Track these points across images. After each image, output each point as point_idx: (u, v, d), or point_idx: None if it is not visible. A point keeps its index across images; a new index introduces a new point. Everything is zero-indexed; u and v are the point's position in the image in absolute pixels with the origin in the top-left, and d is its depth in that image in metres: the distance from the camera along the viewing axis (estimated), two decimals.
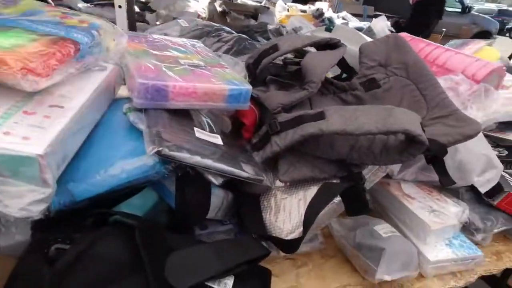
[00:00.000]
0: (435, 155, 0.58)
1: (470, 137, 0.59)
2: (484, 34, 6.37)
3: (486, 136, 0.94)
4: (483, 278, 1.47)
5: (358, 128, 0.54)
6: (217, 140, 0.59)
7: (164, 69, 0.60)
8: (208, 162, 0.51)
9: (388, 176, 0.78)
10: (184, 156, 0.48)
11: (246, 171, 0.55)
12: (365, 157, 0.58)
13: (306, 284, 0.59)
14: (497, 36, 6.95)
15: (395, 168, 0.76)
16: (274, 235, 0.58)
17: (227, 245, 0.50)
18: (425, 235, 0.65)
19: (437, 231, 0.65)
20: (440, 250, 0.65)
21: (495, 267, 0.70)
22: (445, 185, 0.59)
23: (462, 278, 0.66)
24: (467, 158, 0.73)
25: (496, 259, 0.72)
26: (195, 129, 0.58)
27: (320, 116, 0.58)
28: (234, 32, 1.13)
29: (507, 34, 9.73)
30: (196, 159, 0.49)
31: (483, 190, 0.74)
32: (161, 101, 0.56)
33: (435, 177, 0.76)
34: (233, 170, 0.53)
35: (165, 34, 1.03)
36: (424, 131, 0.54)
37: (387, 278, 0.56)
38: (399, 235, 0.63)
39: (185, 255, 0.45)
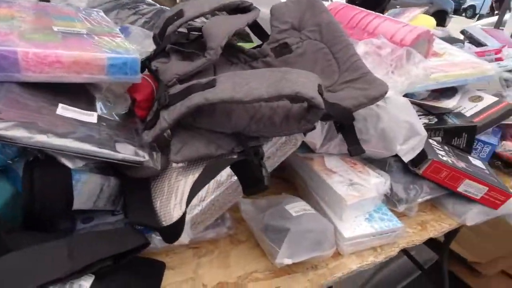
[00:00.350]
0: (343, 122, 0.52)
1: (376, 99, 0.52)
2: (441, 14, 6.48)
3: (418, 104, 0.90)
4: (427, 244, 1.48)
5: (247, 94, 0.46)
6: (91, 118, 0.49)
7: (21, 34, 0.49)
8: (61, 141, 0.41)
9: (312, 151, 0.72)
10: (20, 135, 0.38)
11: (119, 152, 0.46)
12: (264, 128, 0.51)
13: (206, 275, 0.52)
14: (452, 15, 7.11)
15: (318, 141, 0.69)
16: (164, 222, 0.49)
17: (87, 239, 0.41)
18: (341, 210, 0.59)
19: (354, 205, 0.59)
20: (358, 225, 0.59)
21: (419, 238, 0.66)
22: (353, 154, 0.53)
23: (382, 253, 0.61)
24: (389, 126, 0.67)
25: (421, 229, 0.68)
26: (60, 105, 0.48)
27: (211, 84, 0.50)
28: (156, 4, 1.01)
29: (463, 14, 10.01)
30: (39, 139, 0.39)
31: (406, 158, 0.69)
32: (9, 72, 0.45)
33: None
34: (100, 150, 0.44)
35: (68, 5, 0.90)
36: (321, 94, 0.46)
37: (288, 261, 0.49)
38: (312, 213, 0.57)
39: (22, 257, 0.36)
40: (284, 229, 0.52)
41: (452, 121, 0.82)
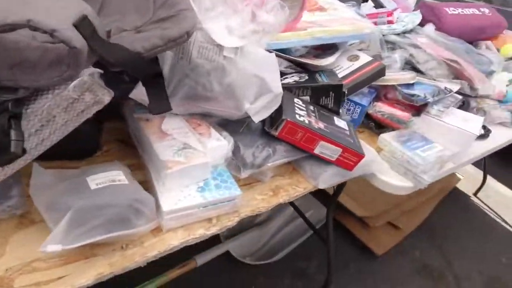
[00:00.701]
0: (134, 71, 0.40)
1: (174, 41, 0.41)
2: None
3: (290, 60, 0.81)
4: (318, 198, 1.50)
5: None
6: None
7: None
8: None
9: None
10: None
11: None
12: (21, 75, 0.36)
13: None
14: None
15: None
16: None
17: None
18: (163, 179, 0.49)
19: (177, 173, 0.49)
20: (185, 196, 0.50)
21: (265, 205, 0.60)
22: (153, 112, 0.42)
23: (217, 224, 0.53)
24: (237, 81, 0.58)
25: (272, 195, 0.62)
26: None
27: None
28: None
29: None
30: None
31: (257, 118, 0.60)
32: None
33: (208, 107, 0.61)
34: None
35: None
36: (83, 28, 0.33)
37: (54, 248, 0.38)
38: (121, 185, 0.46)
39: None
40: (66, 207, 0.40)
41: (321, 80, 0.76)
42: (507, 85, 1.19)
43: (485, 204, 1.93)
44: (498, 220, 1.84)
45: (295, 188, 0.65)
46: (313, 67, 0.83)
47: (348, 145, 0.66)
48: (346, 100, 0.84)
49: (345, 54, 0.90)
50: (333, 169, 0.67)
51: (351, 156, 0.66)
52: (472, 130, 0.85)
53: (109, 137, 0.64)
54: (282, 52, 0.78)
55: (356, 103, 0.84)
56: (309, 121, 0.65)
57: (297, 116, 0.64)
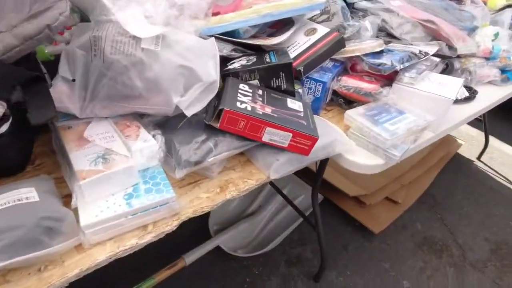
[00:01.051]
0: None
1: (30, 38, 0.35)
2: None
3: (235, 43, 0.74)
4: (300, 175, 1.40)
5: None
6: None
7: None
8: None
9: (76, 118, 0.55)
10: None
11: None
12: None
13: None
14: None
15: (72, 104, 0.52)
16: None
17: None
18: (78, 190, 0.45)
19: (94, 182, 0.44)
20: (108, 206, 0.46)
21: (210, 204, 0.55)
22: (33, 121, 0.37)
23: (153, 231, 0.49)
24: (160, 74, 0.52)
25: (219, 192, 0.57)
26: None
27: None
28: None
29: None
30: None
31: (189, 112, 0.54)
32: None
33: (134, 106, 0.56)
34: None
35: None
36: None
37: None
38: (29, 203, 0.42)
39: None
40: None
41: (269, 60, 0.69)
42: (493, 40, 1.09)
43: (489, 167, 1.83)
44: (504, 182, 1.74)
45: (246, 181, 0.60)
46: (265, 47, 0.76)
47: (299, 129, 0.59)
48: (305, 79, 0.77)
49: (303, 28, 0.82)
50: (286, 156, 0.61)
51: (304, 140, 0.60)
52: (447, 95, 0.76)
53: (44, 148, 0.60)
54: (229, 35, 0.72)
55: (316, 81, 0.77)
56: (252, 107, 0.59)
57: (238, 103, 0.58)
